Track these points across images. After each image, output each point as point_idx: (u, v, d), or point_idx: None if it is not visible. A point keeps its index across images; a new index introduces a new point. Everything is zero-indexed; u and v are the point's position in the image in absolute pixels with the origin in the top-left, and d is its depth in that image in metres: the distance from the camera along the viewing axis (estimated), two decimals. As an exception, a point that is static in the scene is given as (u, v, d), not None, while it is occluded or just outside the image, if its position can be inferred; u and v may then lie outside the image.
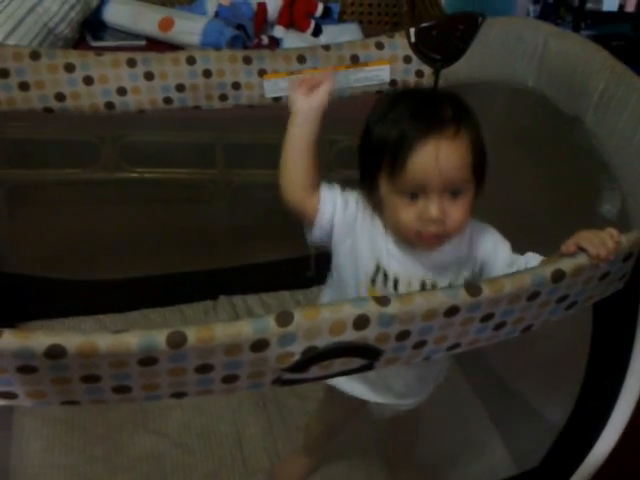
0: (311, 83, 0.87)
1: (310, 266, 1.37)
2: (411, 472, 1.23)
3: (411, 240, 0.86)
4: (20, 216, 1.58)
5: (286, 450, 1.23)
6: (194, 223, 1.63)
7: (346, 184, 0.92)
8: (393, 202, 0.84)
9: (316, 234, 0.90)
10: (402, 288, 0.88)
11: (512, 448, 1.25)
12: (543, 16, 2.35)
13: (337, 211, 0.89)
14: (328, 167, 1.52)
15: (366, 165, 0.87)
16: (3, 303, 1.30)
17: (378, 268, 0.88)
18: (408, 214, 0.83)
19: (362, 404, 1.01)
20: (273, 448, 1.24)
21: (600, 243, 0.71)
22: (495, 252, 0.89)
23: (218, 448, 1.24)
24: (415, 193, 0.82)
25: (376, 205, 0.88)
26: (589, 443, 0.97)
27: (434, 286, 0.88)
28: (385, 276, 0.88)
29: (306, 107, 0.87)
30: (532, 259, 0.86)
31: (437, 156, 0.80)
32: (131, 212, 1.66)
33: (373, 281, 0.89)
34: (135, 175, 1.71)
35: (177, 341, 0.58)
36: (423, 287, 0.88)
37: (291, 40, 1.86)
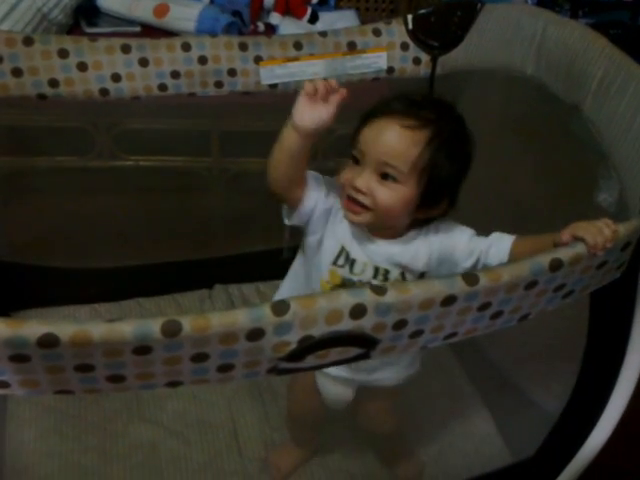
0: (324, 90, 0.83)
1: (284, 250, 1.40)
2: (405, 461, 1.23)
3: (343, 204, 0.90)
4: (14, 204, 1.57)
5: (282, 440, 1.23)
6: (189, 211, 1.63)
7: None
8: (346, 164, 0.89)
9: (294, 220, 0.94)
10: (357, 269, 0.93)
11: (508, 437, 1.25)
12: (541, 3, 2.33)
13: (318, 204, 0.93)
14: (324, 155, 1.51)
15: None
16: (-4, 291, 1.29)
17: (342, 249, 0.93)
18: (345, 176, 0.88)
19: (313, 386, 1.04)
20: (269, 437, 1.24)
21: (597, 231, 0.71)
22: (453, 245, 0.91)
23: (213, 437, 1.23)
24: (357, 159, 0.87)
25: None
26: (585, 433, 0.97)
27: (386, 272, 0.92)
28: (346, 257, 0.93)
29: (308, 125, 0.84)
30: (497, 240, 0.88)
31: (381, 132, 0.85)
32: (126, 200, 1.65)
33: (335, 261, 0.93)
34: (130, 163, 1.70)
35: (172, 330, 0.58)
36: (376, 272, 0.92)
37: (287, 27, 1.84)
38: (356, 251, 0.92)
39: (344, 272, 0.93)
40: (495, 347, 1.24)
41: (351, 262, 0.93)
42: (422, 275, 0.93)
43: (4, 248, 1.39)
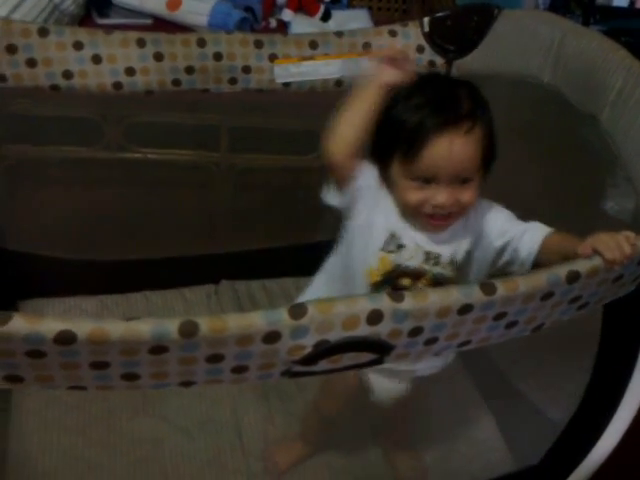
0: (395, 61, 0.91)
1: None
2: (408, 463, 1.23)
3: (420, 220, 0.91)
4: (22, 193, 1.56)
5: (285, 439, 1.23)
6: (197, 206, 1.62)
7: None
8: (403, 184, 0.89)
9: (339, 199, 0.94)
10: (406, 255, 0.93)
11: (512, 445, 1.25)
12: (552, 9, 2.31)
13: (369, 185, 0.93)
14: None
15: (380, 142, 0.91)
16: (5, 280, 1.29)
17: (392, 236, 0.93)
18: (417, 198, 0.88)
19: (356, 386, 1.04)
20: (272, 436, 1.24)
21: (616, 246, 0.71)
22: (490, 224, 0.94)
23: (217, 435, 1.23)
24: (427, 179, 0.87)
25: (387, 181, 0.93)
26: (591, 442, 0.97)
27: (437, 257, 0.93)
28: (396, 243, 0.93)
29: (391, 81, 0.89)
30: (533, 228, 0.90)
31: (451, 150, 0.85)
32: (133, 193, 1.64)
33: (384, 247, 0.93)
34: (138, 155, 1.69)
35: (189, 330, 0.58)
36: (427, 256, 0.93)
37: (300, 24, 1.83)
38: (407, 237, 0.93)
39: (396, 258, 0.93)
40: (502, 354, 1.23)
41: (401, 247, 0.93)
42: (469, 253, 0.94)
43: (11, 237, 1.39)
